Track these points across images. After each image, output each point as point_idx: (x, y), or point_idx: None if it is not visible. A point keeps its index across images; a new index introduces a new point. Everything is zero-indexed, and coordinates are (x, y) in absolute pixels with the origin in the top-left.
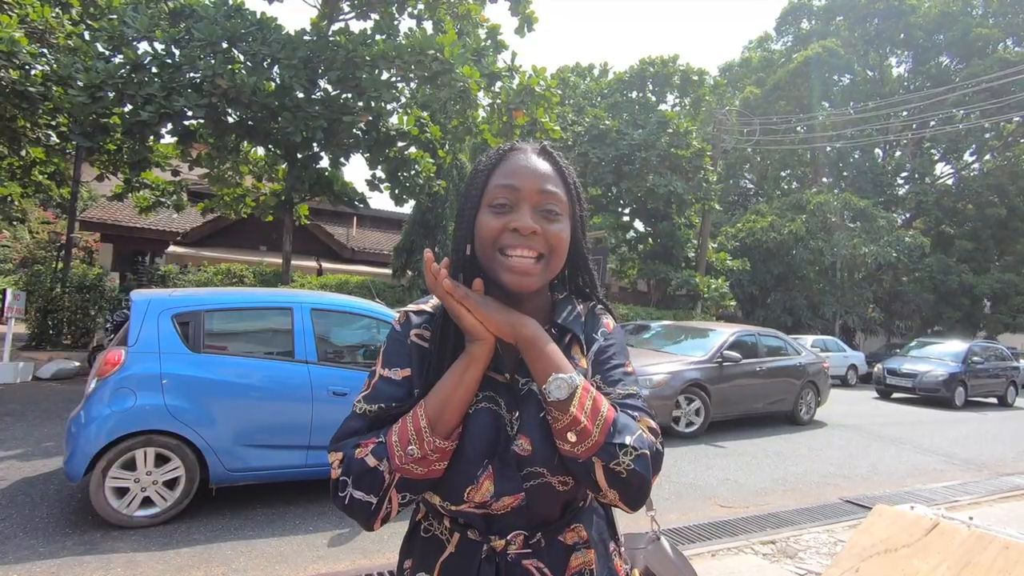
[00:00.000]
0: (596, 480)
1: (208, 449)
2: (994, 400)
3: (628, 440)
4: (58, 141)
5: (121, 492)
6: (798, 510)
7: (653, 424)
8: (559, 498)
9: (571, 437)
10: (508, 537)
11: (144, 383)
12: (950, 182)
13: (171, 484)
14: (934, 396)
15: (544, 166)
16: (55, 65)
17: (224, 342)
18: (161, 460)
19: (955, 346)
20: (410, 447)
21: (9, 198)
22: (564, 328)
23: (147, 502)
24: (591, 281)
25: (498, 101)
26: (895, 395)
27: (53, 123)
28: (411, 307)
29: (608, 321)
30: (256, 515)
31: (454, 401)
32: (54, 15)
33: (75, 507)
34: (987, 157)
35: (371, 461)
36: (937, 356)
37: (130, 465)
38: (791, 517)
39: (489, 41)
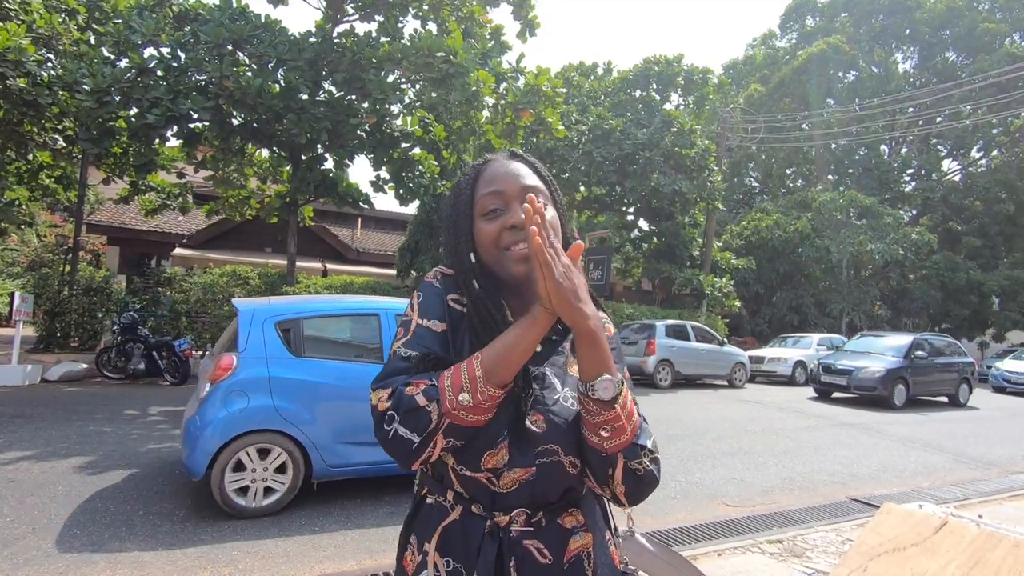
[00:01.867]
0: (612, 474)
1: (311, 446)
2: (944, 399)
3: (648, 443)
4: (65, 145)
5: (241, 490)
6: (805, 509)
7: (651, 432)
8: (567, 479)
9: (604, 432)
10: (512, 514)
11: (254, 386)
12: (957, 178)
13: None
14: (871, 395)
15: (519, 167)
16: (61, 71)
17: (320, 346)
18: (263, 454)
19: (898, 339)
20: (463, 394)
21: (17, 202)
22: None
23: (265, 492)
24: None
25: (503, 102)
26: (835, 395)
27: (59, 127)
28: (440, 269)
29: (610, 326)
30: (263, 516)
31: (512, 357)
32: (61, 21)
33: (82, 507)
34: (994, 153)
35: (421, 400)
36: (878, 351)
37: (239, 464)
38: (798, 516)
39: (493, 43)
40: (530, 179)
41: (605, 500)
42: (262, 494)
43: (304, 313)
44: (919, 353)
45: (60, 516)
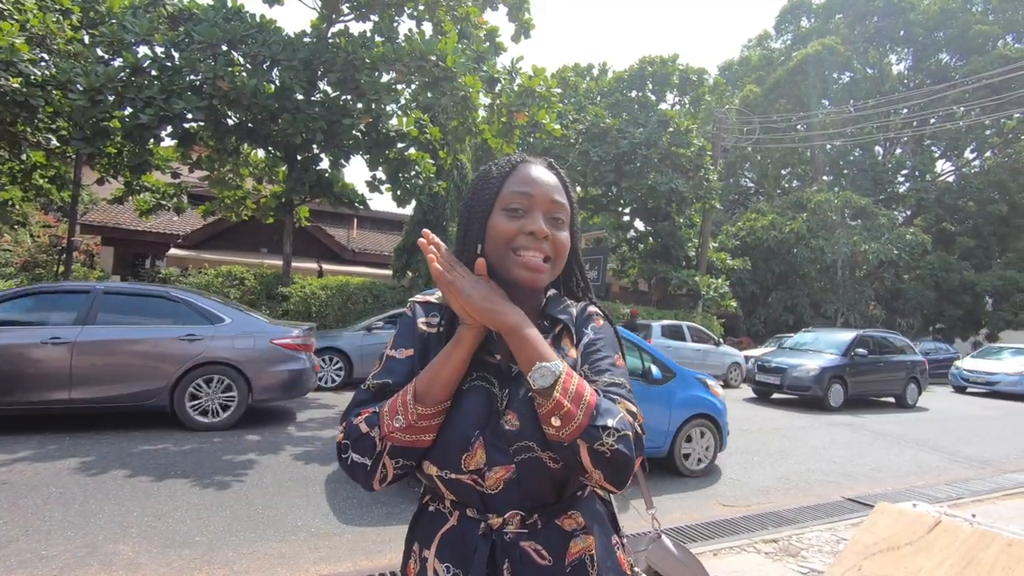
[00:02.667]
0: (581, 461)
1: None
2: (891, 400)
3: (611, 422)
4: (58, 145)
5: None
6: (800, 508)
7: (633, 408)
8: (551, 475)
9: (555, 421)
10: (505, 516)
11: None
12: (951, 179)
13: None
14: (805, 396)
15: (552, 178)
16: (55, 70)
17: None
18: None
19: (838, 336)
20: (397, 416)
21: (10, 202)
22: (555, 319)
23: None
24: (585, 282)
25: (498, 102)
26: (775, 396)
27: (53, 127)
28: (419, 297)
29: (599, 319)
30: (258, 517)
31: (441, 377)
32: (55, 20)
33: (77, 510)
34: (988, 154)
35: (364, 428)
36: (818, 348)
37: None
38: (793, 515)
39: (488, 43)
40: (559, 196)
41: (612, 504)
42: None
43: None
44: (860, 351)
45: (54, 518)
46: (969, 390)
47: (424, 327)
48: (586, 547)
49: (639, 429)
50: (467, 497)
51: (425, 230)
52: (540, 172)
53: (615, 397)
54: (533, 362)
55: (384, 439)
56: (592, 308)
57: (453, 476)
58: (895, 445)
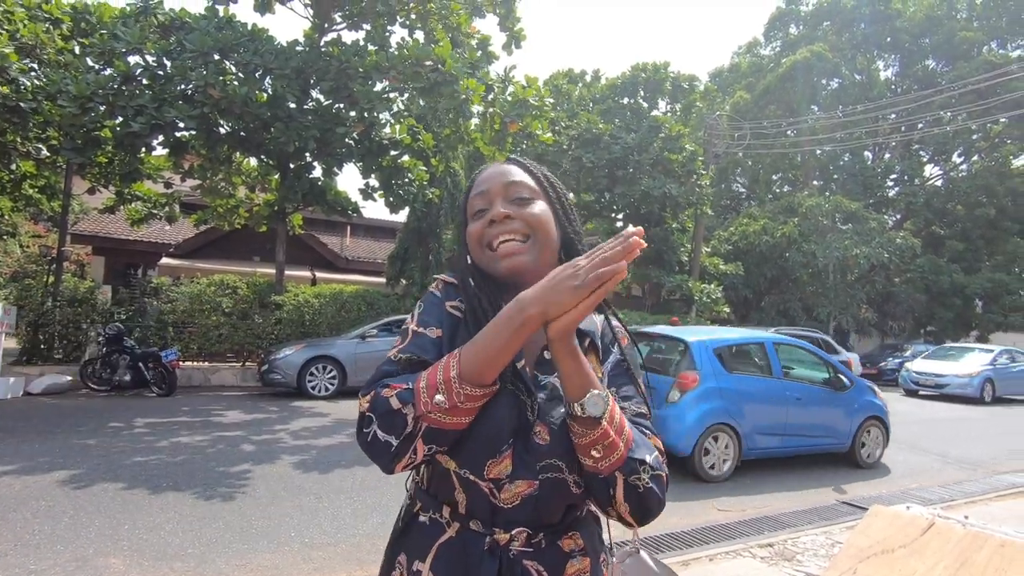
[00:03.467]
0: (614, 495)
1: (743, 435)
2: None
3: (648, 458)
4: (49, 155)
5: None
6: (795, 512)
7: (660, 445)
8: (569, 498)
9: (596, 453)
10: (512, 532)
11: (712, 394)
12: (939, 183)
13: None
14: None
15: (507, 167)
16: (45, 80)
17: (736, 365)
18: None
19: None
20: (438, 396)
21: (0, 212)
22: (583, 332)
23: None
24: None
25: (491, 111)
26: None
27: (43, 136)
28: (444, 276)
29: (624, 337)
30: (251, 528)
31: (491, 358)
32: (45, 30)
33: (67, 523)
34: (975, 158)
35: (395, 403)
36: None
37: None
38: (788, 519)
39: (480, 52)
40: (516, 176)
41: (604, 522)
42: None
43: (726, 343)
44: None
45: (43, 532)
46: (921, 393)
47: (452, 310)
48: (582, 568)
49: (666, 469)
50: (475, 506)
51: (635, 235)
52: (494, 169)
53: (644, 431)
54: (586, 388)
55: (420, 418)
56: (616, 323)
57: (471, 477)
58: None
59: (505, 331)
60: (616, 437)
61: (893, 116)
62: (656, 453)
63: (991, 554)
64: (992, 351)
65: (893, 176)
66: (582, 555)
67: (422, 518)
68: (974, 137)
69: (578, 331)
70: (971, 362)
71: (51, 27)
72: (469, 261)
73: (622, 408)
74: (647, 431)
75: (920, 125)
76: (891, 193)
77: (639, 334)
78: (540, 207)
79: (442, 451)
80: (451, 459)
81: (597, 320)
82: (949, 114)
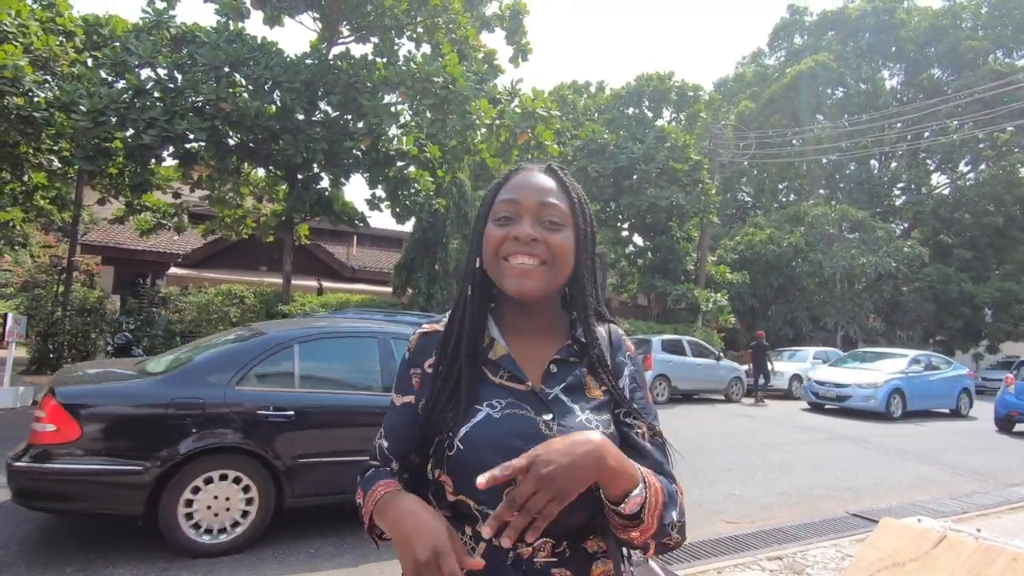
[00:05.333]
0: (645, 553)
1: None
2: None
3: (675, 516)
4: (60, 166)
5: None
6: (804, 524)
7: (680, 484)
8: (592, 504)
9: (634, 533)
10: (536, 544)
11: None
12: (946, 192)
13: None
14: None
15: (547, 181)
16: (58, 92)
17: None
18: None
19: None
20: (371, 514)
21: (11, 223)
22: (586, 347)
23: None
24: (600, 297)
25: (498, 122)
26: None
27: (55, 148)
28: (426, 328)
29: (629, 343)
30: (256, 542)
31: (389, 527)
32: (58, 43)
33: (78, 539)
34: (982, 167)
35: (358, 494)
36: None
37: None
38: (797, 532)
39: (487, 66)
40: (551, 196)
41: None
42: None
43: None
44: None
45: (51, 546)
46: (827, 407)
47: (428, 368)
48: (607, 571)
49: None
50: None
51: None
52: (532, 177)
53: (663, 464)
54: (627, 491)
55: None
56: (618, 330)
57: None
58: (896, 458)
59: (394, 532)
60: (653, 519)
61: (899, 125)
62: (680, 501)
63: (1004, 568)
64: (906, 356)
65: (900, 185)
66: (606, 557)
67: None
68: (981, 146)
69: (582, 345)
70: (880, 370)
71: (64, 40)
72: (478, 264)
73: (631, 424)
74: (667, 458)
75: (926, 134)
76: (898, 202)
77: None
78: (566, 236)
79: (459, 495)
80: (468, 499)
81: (601, 330)
82: (955, 123)
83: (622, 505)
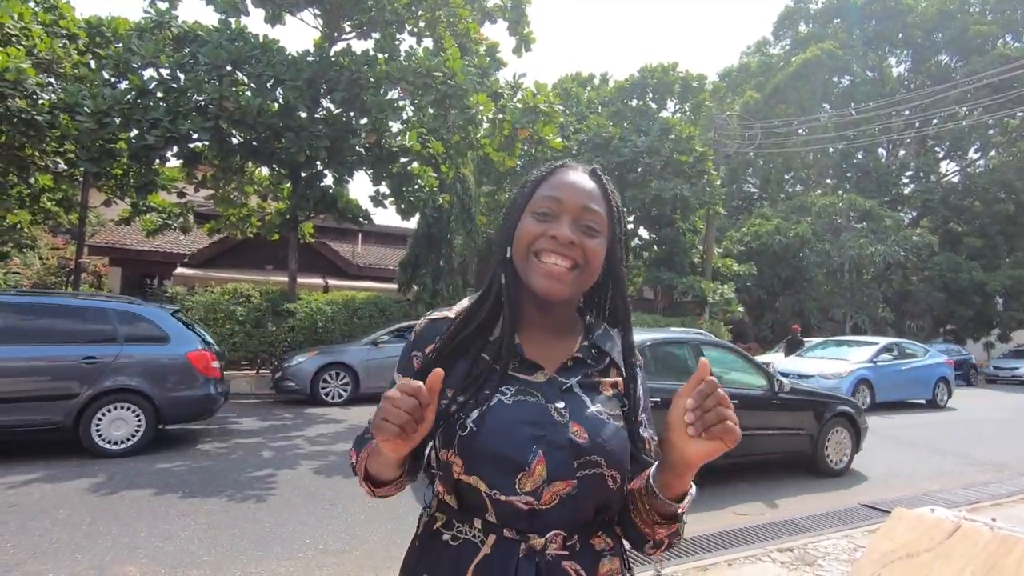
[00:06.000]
0: (655, 546)
1: None
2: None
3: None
4: (66, 168)
5: None
6: (815, 516)
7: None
8: (606, 495)
9: (662, 529)
10: (548, 536)
11: None
12: (956, 179)
13: None
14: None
15: (590, 184)
16: (62, 94)
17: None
18: None
19: None
20: (362, 475)
21: (19, 225)
22: (602, 350)
23: None
24: (624, 306)
25: (500, 117)
26: None
27: (60, 150)
28: (436, 315)
29: (637, 352)
30: (266, 535)
31: (378, 471)
32: (61, 46)
33: (86, 531)
34: (992, 153)
35: (352, 456)
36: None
37: None
38: (808, 523)
39: (488, 59)
40: (593, 202)
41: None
42: None
43: None
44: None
45: (62, 540)
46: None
47: (428, 353)
48: (614, 569)
49: None
50: (511, 516)
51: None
52: (576, 177)
53: None
54: (686, 491)
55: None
56: (631, 337)
57: (503, 498)
58: (907, 449)
59: (380, 465)
60: (685, 520)
61: (907, 112)
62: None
63: (1021, 557)
64: (876, 344)
65: (908, 173)
66: (612, 555)
67: (445, 536)
68: (991, 132)
69: (598, 348)
70: (847, 359)
71: (67, 42)
72: (508, 254)
73: (648, 431)
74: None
75: (935, 121)
76: (906, 190)
77: None
78: (600, 243)
79: (470, 475)
80: (480, 480)
81: (616, 336)
82: (964, 109)
83: (680, 504)
